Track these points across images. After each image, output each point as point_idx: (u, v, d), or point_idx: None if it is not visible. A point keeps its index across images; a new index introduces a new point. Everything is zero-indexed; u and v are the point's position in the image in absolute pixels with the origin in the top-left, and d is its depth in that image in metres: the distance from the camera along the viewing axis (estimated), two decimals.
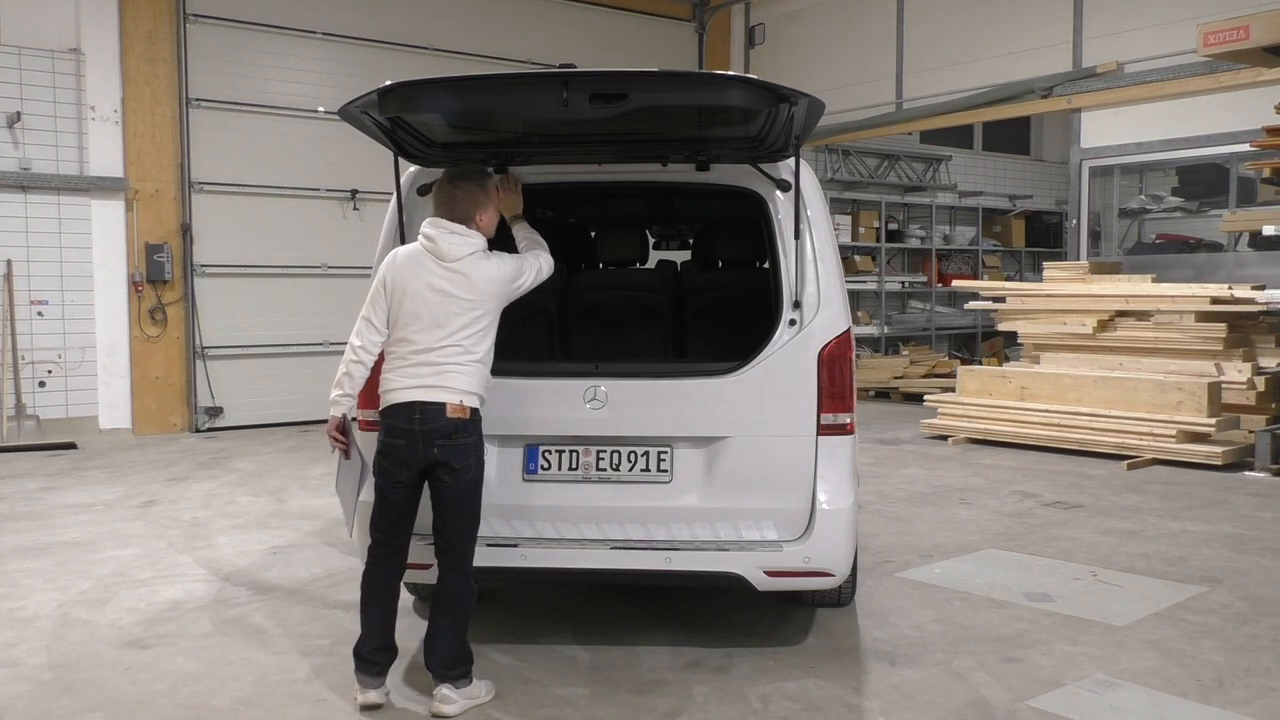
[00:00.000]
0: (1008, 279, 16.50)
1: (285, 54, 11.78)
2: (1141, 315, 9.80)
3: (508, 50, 12.96)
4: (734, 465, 4.21)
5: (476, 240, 3.92)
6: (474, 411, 3.88)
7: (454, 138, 4.30)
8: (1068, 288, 10.51)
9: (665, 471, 4.26)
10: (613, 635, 4.68)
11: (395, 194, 4.37)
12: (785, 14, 14.73)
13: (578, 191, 5.39)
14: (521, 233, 4.31)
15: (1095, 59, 11.27)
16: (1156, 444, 8.87)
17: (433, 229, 3.90)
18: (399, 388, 3.85)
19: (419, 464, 3.84)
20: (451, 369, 3.82)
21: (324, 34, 11.99)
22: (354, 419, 4.12)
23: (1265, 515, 7.01)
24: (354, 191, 12.12)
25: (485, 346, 3.92)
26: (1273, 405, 9.16)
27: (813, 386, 4.18)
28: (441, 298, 3.83)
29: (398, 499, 3.90)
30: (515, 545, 4.24)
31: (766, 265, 4.61)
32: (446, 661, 3.88)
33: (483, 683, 3.98)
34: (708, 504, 4.22)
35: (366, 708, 3.90)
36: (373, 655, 3.93)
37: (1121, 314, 9.93)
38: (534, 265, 4.10)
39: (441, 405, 3.80)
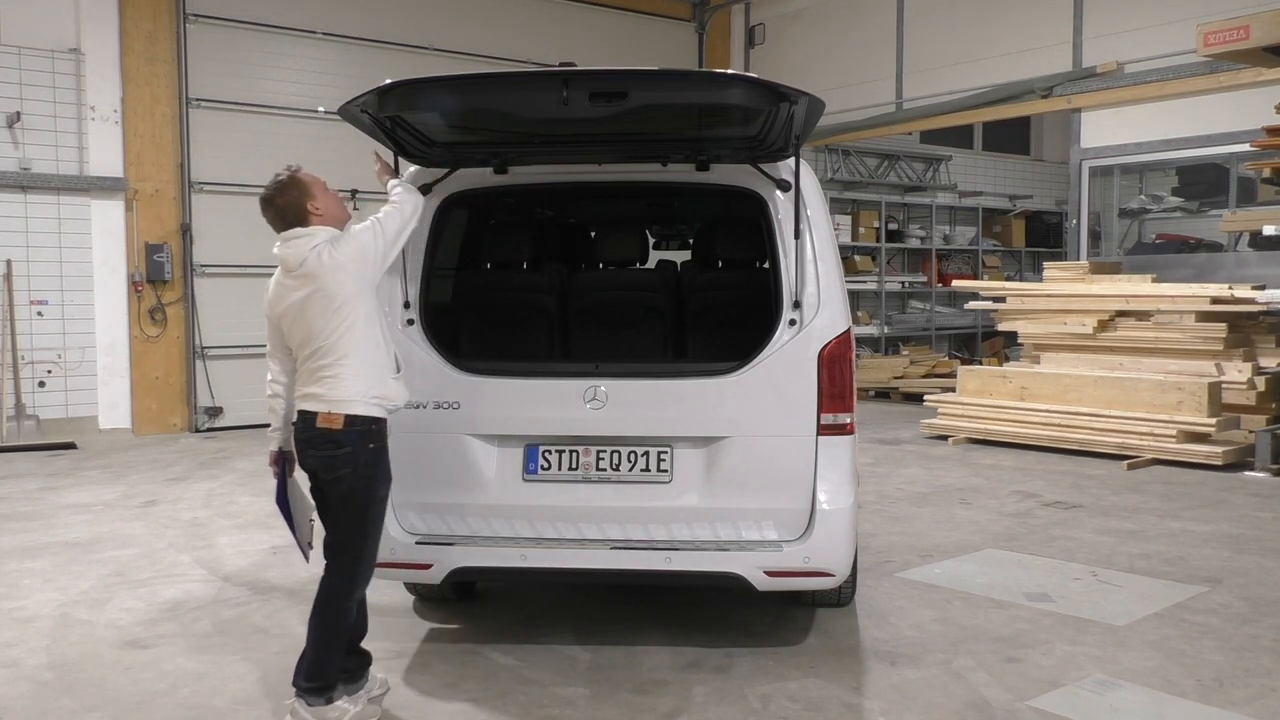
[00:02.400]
0: (1008, 279, 16.49)
1: (285, 54, 11.78)
2: (1141, 315, 9.80)
3: (508, 50, 12.96)
4: (734, 465, 4.20)
5: (316, 235, 3.70)
6: (350, 420, 3.62)
7: (454, 137, 4.30)
8: (1068, 288, 10.51)
9: (665, 471, 4.25)
10: (613, 635, 4.67)
11: None
12: (785, 14, 14.73)
13: (578, 191, 5.39)
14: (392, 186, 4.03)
15: (1095, 59, 11.28)
16: (1157, 444, 8.87)
17: (277, 246, 3.75)
18: (295, 398, 3.79)
19: (310, 470, 3.78)
20: (324, 375, 3.65)
21: (324, 34, 12.00)
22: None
23: (1265, 515, 7.01)
24: (354, 191, 11.99)
25: (352, 343, 3.63)
26: (1273, 405, 9.16)
27: (813, 386, 4.17)
28: (301, 306, 3.66)
29: (322, 503, 3.82)
30: (515, 545, 4.23)
31: (766, 265, 4.61)
32: (303, 672, 3.70)
33: (349, 708, 3.72)
34: (708, 504, 4.21)
35: None
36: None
37: (1121, 314, 9.93)
38: (376, 227, 3.74)
39: (313, 415, 3.66)
